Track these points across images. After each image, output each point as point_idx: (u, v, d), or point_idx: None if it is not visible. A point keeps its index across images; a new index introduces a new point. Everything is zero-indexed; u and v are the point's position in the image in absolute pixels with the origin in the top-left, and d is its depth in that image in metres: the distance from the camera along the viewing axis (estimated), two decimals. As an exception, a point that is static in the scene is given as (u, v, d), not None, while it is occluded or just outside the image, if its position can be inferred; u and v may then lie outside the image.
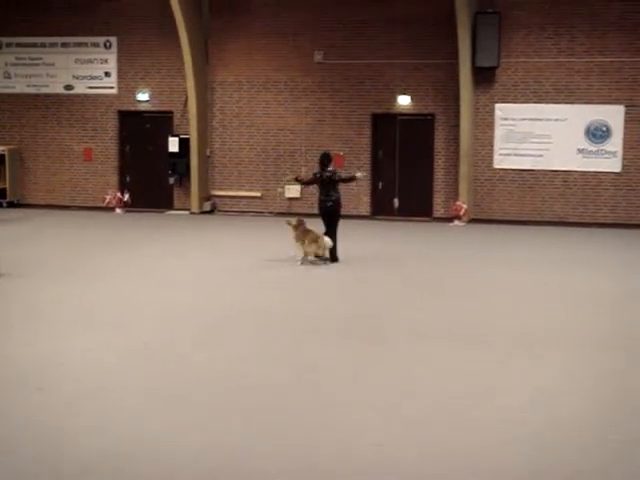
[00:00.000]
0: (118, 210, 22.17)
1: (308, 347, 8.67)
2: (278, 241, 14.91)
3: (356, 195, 21.30)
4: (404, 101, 21.08)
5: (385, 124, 21.28)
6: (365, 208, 21.53)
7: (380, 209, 21.50)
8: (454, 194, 20.76)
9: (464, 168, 20.40)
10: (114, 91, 22.64)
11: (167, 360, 8.13)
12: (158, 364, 8.01)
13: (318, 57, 21.26)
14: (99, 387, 7.28)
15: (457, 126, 20.43)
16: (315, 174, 14.34)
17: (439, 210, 21.08)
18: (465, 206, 20.25)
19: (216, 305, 10.75)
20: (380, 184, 21.53)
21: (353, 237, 17.15)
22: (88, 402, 6.88)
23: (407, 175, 21.30)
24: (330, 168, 14.23)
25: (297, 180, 15.16)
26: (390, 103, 21.14)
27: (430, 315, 10.31)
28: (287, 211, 21.42)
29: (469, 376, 7.56)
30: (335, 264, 13.87)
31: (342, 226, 19.52)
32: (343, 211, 20.90)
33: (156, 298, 11.10)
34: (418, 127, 21.14)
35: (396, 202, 21.31)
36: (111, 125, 22.79)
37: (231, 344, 8.75)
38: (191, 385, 7.39)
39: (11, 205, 22.90)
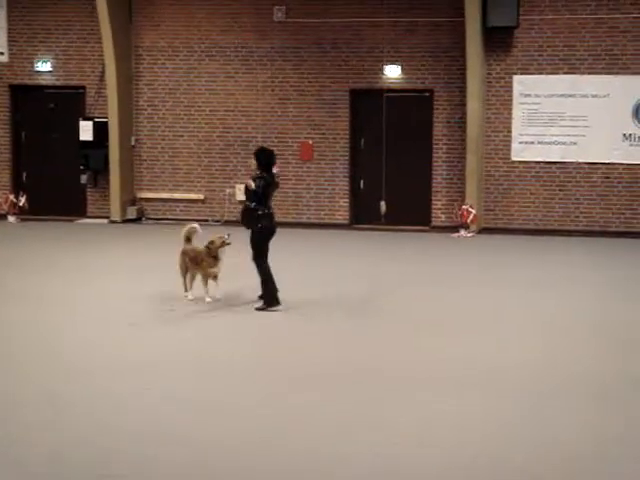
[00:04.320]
0: (11, 218, 22.18)
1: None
2: (228, 258, 14.31)
3: (330, 198, 21.60)
4: (393, 72, 21.29)
5: (368, 103, 21.48)
6: (342, 215, 21.71)
7: (362, 216, 21.78)
8: (460, 195, 20.89)
9: (472, 161, 20.51)
10: (3, 58, 22.64)
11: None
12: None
13: (279, 15, 21.49)
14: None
15: (463, 105, 20.60)
16: (267, 175, 12.79)
17: (440, 217, 21.30)
18: (474, 211, 20.38)
19: (141, 355, 10.39)
20: (362, 183, 21.78)
21: (321, 255, 17.57)
22: None
23: (397, 170, 21.47)
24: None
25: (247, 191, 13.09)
26: (375, 75, 21.33)
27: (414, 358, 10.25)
28: (239, 218, 20.70)
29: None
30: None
31: (308, 239, 19.46)
32: (315, 218, 21.96)
33: (50, 343, 10.76)
34: (412, 107, 21.44)
35: (383, 206, 21.40)
36: (0, 105, 22.73)
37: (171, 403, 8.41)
38: None
39: None
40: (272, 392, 8.84)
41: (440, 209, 21.20)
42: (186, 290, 12.78)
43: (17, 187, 22.52)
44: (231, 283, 13.28)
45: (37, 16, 22.22)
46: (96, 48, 21.83)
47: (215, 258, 12.60)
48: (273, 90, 21.59)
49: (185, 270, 12.83)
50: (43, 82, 22.46)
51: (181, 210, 22.26)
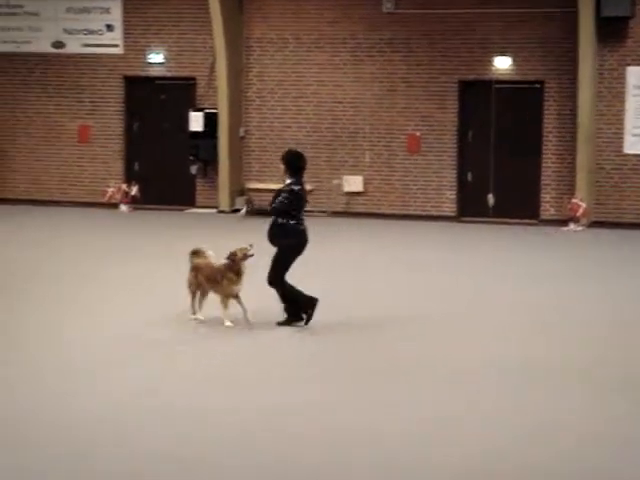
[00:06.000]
0: (123, 207, 22.49)
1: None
2: (339, 251, 14.05)
3: (437, 190, 21.55)
4: (503, 64, 21.31)
5: (477, 95, 21.50)
6: (449, 207, 21.64)
7: (469, 208, 21.71)
8: (569, 189, 20.71)
9: (583, 154, 20.37)
10: (118, 50, 22.95)
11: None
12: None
13: (388, 6, 21.47)
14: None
15: (574, 97, 20.48)
16: (298, 189, 11.31)
17: (549, 210, 21.20)
18: (584, 205, 20.16)
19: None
20: (469, 175, 21.70)
21: (427, 248, 17.44)
22: None
23: (506, 163, 21.36)
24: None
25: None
26: (484, 67, 21.35)
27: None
28: (346, 209, 21.73)
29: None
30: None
31: (415, 232, 19.96)
32: (421, 210, 21.83)
33: (153, 335, 10.72)
34: (522, 99, 21.41)
35: (491, 199, 21.40)
36: (114, 95, 23.10)
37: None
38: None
39: (-17, 200, 23.36)
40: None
41: (549, 202, 20.97)
42: (194, 312, 11.23)
43: (129, 177, 22.73)
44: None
45: (150, 9, 22.49)
46: (207, 40, 22.04)
47: (238, 273, 11.00)
48: (381, 82, 21.52)
49: (196, 289, 11.24)
50: (155, 73, 22.76)
51: (288, 201, 22.32)
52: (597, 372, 9.39)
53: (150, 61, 22.64)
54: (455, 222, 21.09)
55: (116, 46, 22.72)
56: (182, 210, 22.30)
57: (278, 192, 11.24)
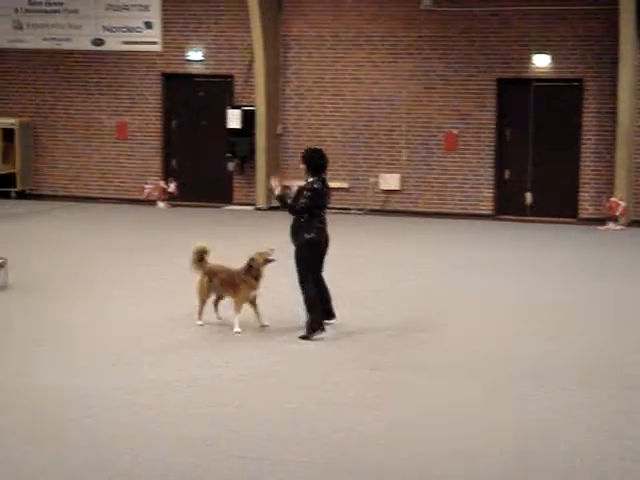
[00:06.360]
0: (161, 204, 22.61)
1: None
2: (373, 250, 13.97)
3: (475, 188, 21.48)
4: (542, 62, 21.20)
5: (515, 93, 21.45)
6: (486, 205, 21.58)
7: (507, 206, 21.62)
8: (608, 187, 20.55)
9: (623, 153, 20.23)
10: (157, 48, 23.03)
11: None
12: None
13: (426, 3, 21.41)
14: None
15: (614, 95, 20.34)
16: (320, 187, 10.98)
17: (587, 209, 21.05)
18: (624, 204, 20.03)
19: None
20: (507, 173, 21.66)
21: (461, 246, 17.38)
22: None
23: (544, 161, 21.30)
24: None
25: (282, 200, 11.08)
26: (523, 64, 21.26)
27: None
28: (382, 207, 21.68)
29: None
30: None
31: (452, 230, 19.60)
32: (458, 208, 21.70)
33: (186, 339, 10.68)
34: (561, 97, 21.29)
35: (529, 197, 21.39)
36: (153, 92, 23.16)
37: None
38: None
39: (21, 196, 23.31)
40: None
41: (587, 201, 20.83)
42: (200, 318, 11.04)
43: (167, 174, 22.84)
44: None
45: (189, 6, 22.55)
46: (245, 38, 21.99)
47: (257, 278, 10.82)
48: (419, 79, 21.48)
49: (208, 294, 11.05)
50: (193, 71, 22.81)
51: (325, 198, 22.25)
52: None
53: (189, 58, 22.70)
54: (492, 220, 20.94)
55: (155, 43, 22.82)
56: (219, 207, 22.31)
57: (300, 190, 10.93)
